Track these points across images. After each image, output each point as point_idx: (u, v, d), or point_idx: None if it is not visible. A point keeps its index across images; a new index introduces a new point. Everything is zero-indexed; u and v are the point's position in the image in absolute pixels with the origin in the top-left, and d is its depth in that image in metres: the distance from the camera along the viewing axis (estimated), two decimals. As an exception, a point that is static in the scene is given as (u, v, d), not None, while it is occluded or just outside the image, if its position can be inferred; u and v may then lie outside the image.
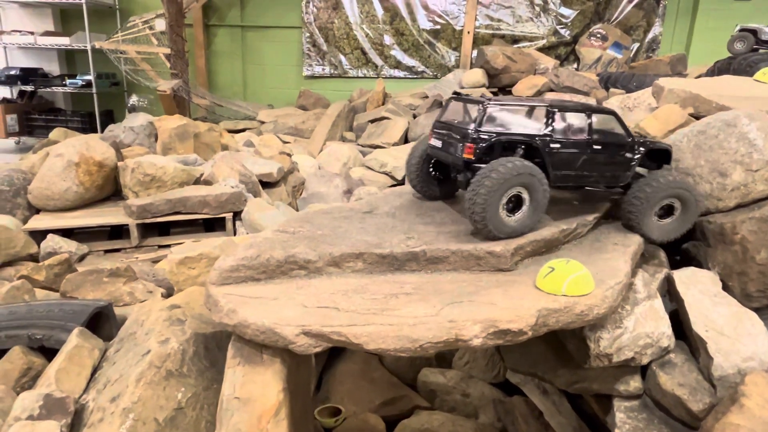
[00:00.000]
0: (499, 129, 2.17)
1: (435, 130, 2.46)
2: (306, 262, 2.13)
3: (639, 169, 2.55)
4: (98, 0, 9.64)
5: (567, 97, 7.53)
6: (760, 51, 7.72)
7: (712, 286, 2.50)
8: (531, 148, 2.21)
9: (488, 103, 2.16)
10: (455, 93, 2.48)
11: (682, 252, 2.83)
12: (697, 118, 3.00)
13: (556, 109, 2.24)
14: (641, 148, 2.46)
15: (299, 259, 2.13)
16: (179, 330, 2.31)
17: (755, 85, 3.53)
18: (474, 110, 2.21)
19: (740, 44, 7.69)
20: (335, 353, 3.75)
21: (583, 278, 1.84)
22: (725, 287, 2.52)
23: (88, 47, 9.36)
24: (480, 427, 3.10)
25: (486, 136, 2.14)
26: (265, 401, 1.78)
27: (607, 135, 2.37)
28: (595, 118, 2.32)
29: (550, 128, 2.22)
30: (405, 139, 8.31)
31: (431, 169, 2.64)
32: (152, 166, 5.11)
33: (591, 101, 6.74)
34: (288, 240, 2.25)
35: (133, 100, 9.81)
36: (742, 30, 7.78)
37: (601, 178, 2.42)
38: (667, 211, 2.49)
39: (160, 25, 9.14)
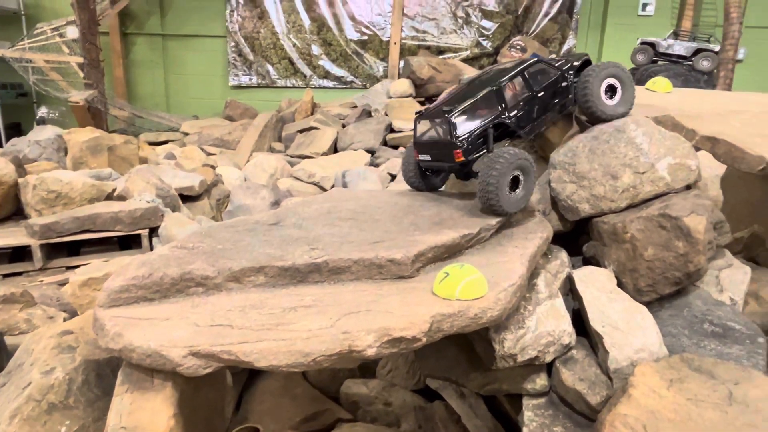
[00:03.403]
0: (469, 126, 2.57)
1: (418, 149, 2.81)
2: (203, 278, 2.05)
3: None
4: (1, 5, 8.98)
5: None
6: (659, 62, 8.36)
7: (608, 283, 2.64)
8: (498, 125, 2.63)
9: (450, 116, 2.52)
10: (417, 113, 2.82)
11: (582, 252, 2.97)
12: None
13: (502, 86, 2.64)
14: (570, 72, 2.87)
15: (196, 275, 2.04)
16: (68, 358, 2.15)
17: (647, 94, 3.78)
18: (442, 123, 2.59)
19: (641, 56, 8.28)
20: (256, 370, 3.63)
21: (476, 282, 1.88)
22: (620, 284, 2.66)
23: (-10, 55, 8.69)
24: (401, 436, 3.10)
25: (464, 137, 2.55)
26: (153, 429, 1.68)
27: (542, 78, 2.77)
28: (527, 72, 2.73)
29: (503, 104, 2.64)
30: (334, 149, 8.28)
31: (423, 170, 3.05)
32: (57, 182, 4.78)
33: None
34: (185, 256, 2.15)
35: (43, 112, 9.18)
36: (642, 43, 8.39)
37: (556, 113, 2.88)
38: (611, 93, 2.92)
39: (72, 32, 8.64)
